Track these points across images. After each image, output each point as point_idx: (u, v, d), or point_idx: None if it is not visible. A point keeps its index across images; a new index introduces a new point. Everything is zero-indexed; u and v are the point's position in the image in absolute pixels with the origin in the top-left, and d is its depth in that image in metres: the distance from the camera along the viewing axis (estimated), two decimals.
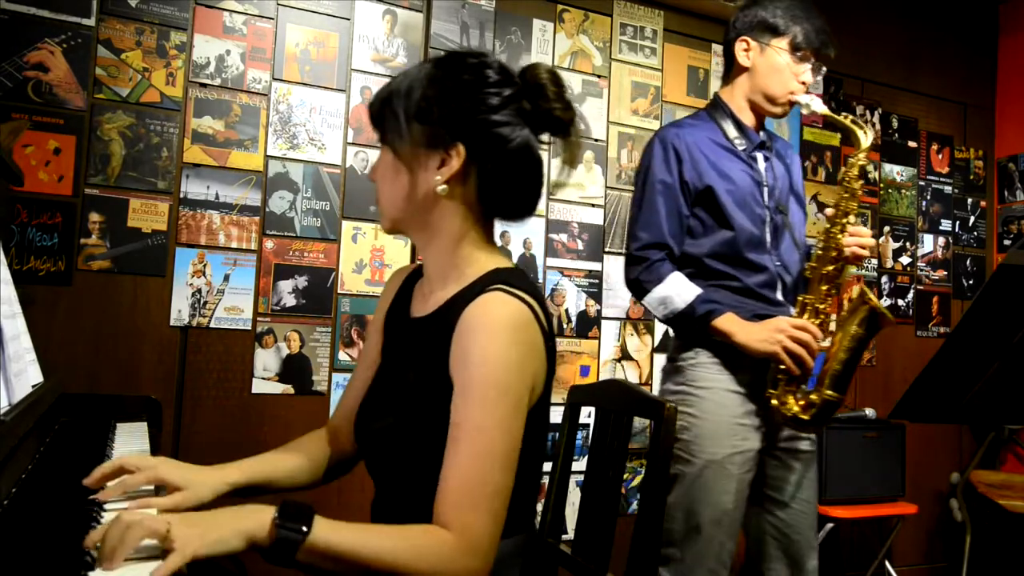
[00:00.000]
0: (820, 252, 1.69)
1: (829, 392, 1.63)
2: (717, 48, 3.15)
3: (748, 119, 1.82)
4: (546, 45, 2.83)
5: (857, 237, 1.66)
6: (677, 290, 1.70)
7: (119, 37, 2.24)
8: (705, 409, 1.70)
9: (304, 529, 0.84)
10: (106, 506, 0.98)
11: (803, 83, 1.75)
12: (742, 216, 1.73)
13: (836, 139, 3.38)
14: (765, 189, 1.78)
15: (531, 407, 1.00)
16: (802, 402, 1.66)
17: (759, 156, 1.81)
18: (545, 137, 1.08)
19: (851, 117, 1.74)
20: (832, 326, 1.70)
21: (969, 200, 3.74)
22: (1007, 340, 1.24)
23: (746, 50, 1.79)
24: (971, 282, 3.72)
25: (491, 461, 0.92)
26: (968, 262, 3.72)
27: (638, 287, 1.76)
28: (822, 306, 1.67)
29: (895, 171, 3.55)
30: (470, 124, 1.01)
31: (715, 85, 3.13)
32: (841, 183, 1.71)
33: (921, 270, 3.59)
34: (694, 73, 3.10)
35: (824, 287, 1.68)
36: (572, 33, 2.89)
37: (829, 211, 1.70)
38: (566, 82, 1.08)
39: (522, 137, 1.03)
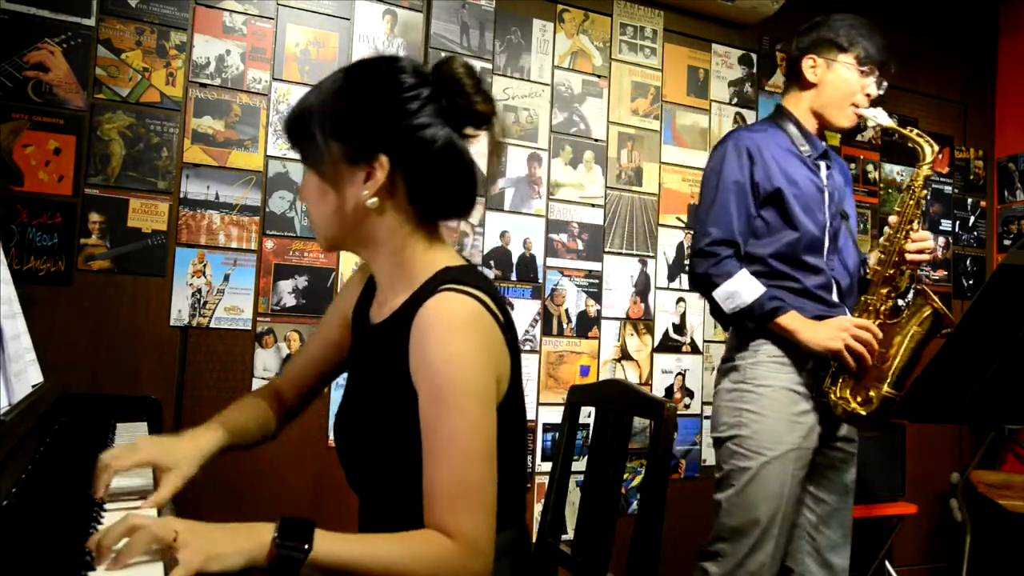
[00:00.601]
0: (883, 256, 1.76)
1: (889, 390, 1.67)
2: (717, 48, 3.15)
3: (812, 129, 1.91)
4: (546, 45, 2.83)
5: (919, 243, 1.75)
6: (745, 286, 1.77)
7: (119, 37, 2.24)
8: (764, 406, 1.76)
9: (305, 547, 0.83)
10: (107, 506, 0.98)
11: (868, 95, 1.84)
12: (806, 219, 1.80)
13: (836, 139, 3.37)
14: (826, 196, 1.85)
15: (500, 401, 1.00)
16: (859, 398, 1.71)
17: (822, 164, 1.88)
18: (470, 131, 1.05)
19: (916, 131, 1.82)
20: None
21: (969, 200, 3.74)
22: (1007, 340, 1.24)
23: (813, 67, 1.88)
24: (971, 282, 3.72)
25: (471, 461, 0.92)
26: (968, 262, 3.72)
27: (706, 281, 1.80)
28: (883, 307, 1.76)
29: (895, 171, 3.55)
30: (390, 134, 0.98)
31: (715, 85, 3.13)
32: (907, 190, 1.78)
33: (921, 270, 3.59)
34: (694, 73, 3.10)
35: (885, 290, 1.76)
36: (572, 33, 2.89)
37: (893, 218, 1.78)
38: (481, 73, 1.06)
39: (444, 136, 1.00)
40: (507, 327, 1.03)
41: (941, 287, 3.64)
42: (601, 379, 2.78)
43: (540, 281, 2.78)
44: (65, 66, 2.17)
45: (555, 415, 2.73)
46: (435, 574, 0.88)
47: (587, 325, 2.86)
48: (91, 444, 1.38)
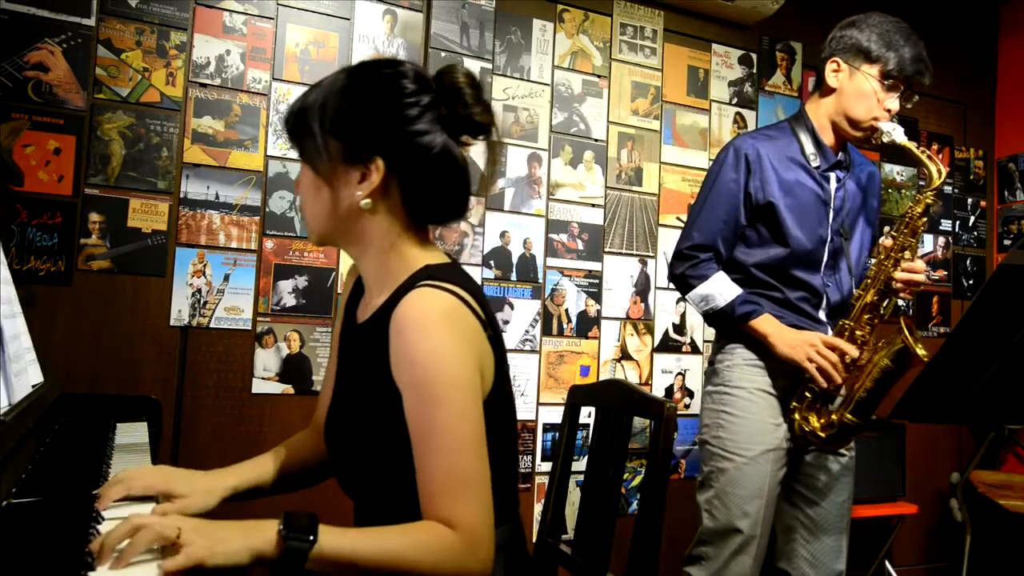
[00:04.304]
0: (868, 281, 1.72)
1: (849, 416, 1.65)
2: (717, 48, 3.15)
3: (828, 138, 1.84)
4: (546, 45, 2.83)
5: (908, 273, 1.68)
6: (719, 289, 1.76)
7: (119, 37, 2.24)
8: (740, 407, 1.76)
9: (311, 538, 0.84)
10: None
11: (888, 110, 1.75)
12: (800, 233, 1.76)
13: None
14: (831, 210, 1.80)
15: (486, 397, 1.00)
16: (822, 420, 1.69)
17: (832, 176, 1.82)
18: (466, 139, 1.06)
19: (928, 152, 1.74)
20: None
21: (969, 200, 3.74)
22: (1007, 340, 1.24)
23: (836, 71, 1.80)
24: (971, 282, 3.72)
25: (462, 452, 0.92)
26: (968, 262, 3.72)
27: (683, 282, 1.82)
28: (860, 333, 1.70)
29: (895, 171, 3.55)
30: (388, 137, 0.99)
31: (715, 85, 3.13)
32: (903, 218, 1.72)
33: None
34: (694, 73, 3.10)
35: (866, 316, 1.71)
36: (572, 33, 2.89)
37: (887, 241, 1.73)
38: (482, 83, 1.06)
39: (441, 144, 1.01)
40: (488, 323, 1.03)
41: (941, 287, 3.64)
42: (601, 379, 2.78)
43: (540, 281, 2.78)
44: (65, 66, 2.17)
45: (555, 415, 2.73)
46: (439, 563, 0.88)
47: (587, 325, 2.86)
48: (91, 444, 1.38)
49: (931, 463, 3.50)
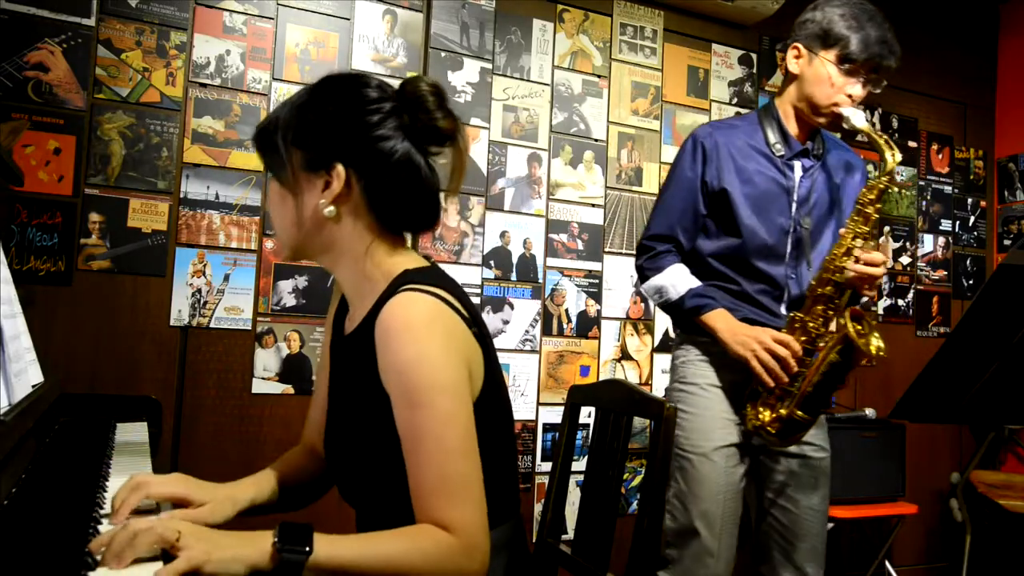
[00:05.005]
0: (822, 272, 1.64)
1: (799, 412, 1.61)
2: (717, 48, 3.15)
3: (793, 126, 1.79)
4: (546, 45, 2.83)
5: (865, 266, 1.58)
6: (673, 281, 1.73)
7: (119, 37, 2.24)
8: (693, 404, 1.74)
9: (307, 549, 0.84)
10: (105, 507, 0.98)
11: (849, 96, 1.69)
12: (757, 223, 1.72)
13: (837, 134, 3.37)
14: (794, 200, 1.75)
15: (478, 396, 1.00)
16: (772, 415, 1.65)
17: (797, 165, 1.77)
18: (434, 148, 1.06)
19: (885, 137, 1.68)
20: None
21: (969, 200, 3.74)
22: (1007, 340, 1.24)
23: (797, 57, 1.76)
24: (971, 282, 3.72)
25: (451, 456, 0.92)
26: (968, 262, 3.72)
27: (640, 273, 1.82)
28: (813, 325, 1.62)
29: (895, 171, 3.54)
30: (349, 143, 1.01)
31: (715, 85, 3.14)
32: (856, 204, 1.66)
33: (921, 270, 3.59)
34: (694, 73, 3.10)
35: (819, 307, 1.63)
36: (572, 33, 2.89)
37: (841, 230, 1.66)
38: (447, 93, 1.07)
39: (403, 150, 1.02)
40: (474, 321, 1.04)
41: (941, 287, 3.64)
42: (601, 379, 2.78)
43: (540, 281, 2.78)
44: (65, 66, 2.16)
45: (555, 415, 2.73)
46: (434, 566, 0.88)
47: (587, 325, 2.86)
48: (91, 444, 1.38)
49: (931, 463, 3.50)
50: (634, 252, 2.93)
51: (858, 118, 1.68)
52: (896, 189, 3.46)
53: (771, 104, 1.83)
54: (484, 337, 1.05)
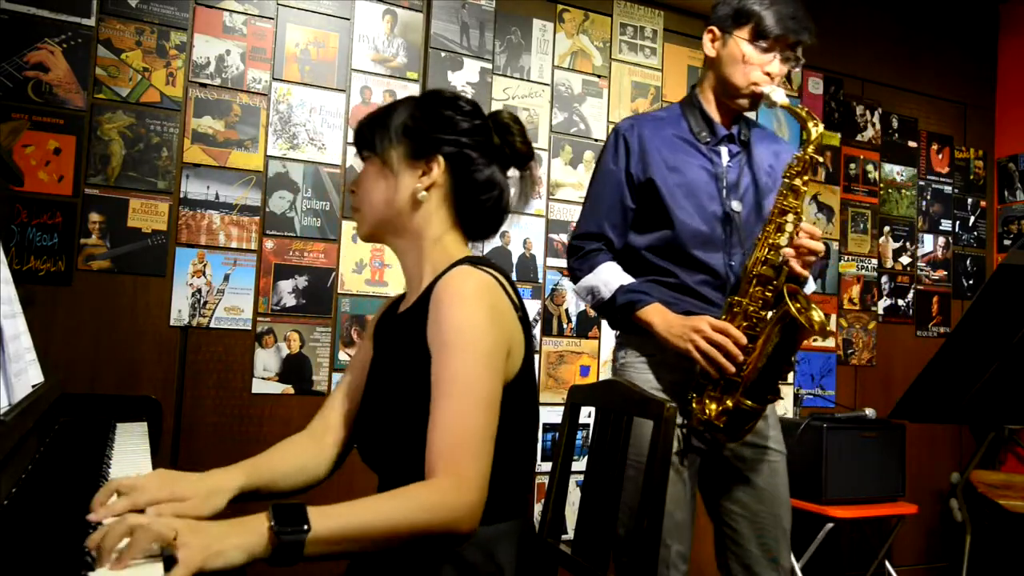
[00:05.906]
0: (755, 253, 1.59)
1: (746, 401, 1.54)
2: None
3: (715, 112, 1.74)
4: (546, 45, 2.83)
5: (801, 241, 1.53)
6: (605, 280, 1.67)
7: (119, 37, 2.24)
8: None
9: (305, 528, 0.84)
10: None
11: (769, 75, 1.63)
12: (688, 212, 1.66)
13: (836, 139, 3.38)
14: (724, 186, 1.69)
15: (511, 380, 1.06)
16: (719, 408, 1.57)
17: (723, 150, 1.72)
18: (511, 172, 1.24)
19: (807, 109, 1.63)
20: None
21: (969, 200, 3.74)
22: (1007, 340, 1.24)
23: (712, 40, 1.70)
24: (971, 282, 3.72)
25: (469, 405, 0.98)
26: (968, 262, 3.72)
27: (572, 275, 1.77)
28: (752, 309, 1.56)
29: (895, 171, 3.55)
30: (448, 141, 1.16)
31: None
32: (783, 178, 1.59)
33: (921, 270, 3.59)
34: (694, 73, 3.10)
35: (758, 289, 1.56)
36: (572, 33, 2.89)
37: (771, 206, 1.61)
38: (526, 124, 1.21)
39: (490, 170, 1.19)
40: (520, 307, 1.13)
41: (941, 287, 3.64)
42: (601, 379, 2.78)
43: (540, 281, 2.78)
44: (65, 66, 2.17)
45: (555, 415, 2.73)
46: (430, 512, 0.91)
47: (587, 325, 2.86)
48: (91, 444, 1.38)
49: (931, 463, 3.50)
50: None
51: (778, 95, 1.62)
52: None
53: (692, 93, 1.78)
54: (525, 322, 1.14)
